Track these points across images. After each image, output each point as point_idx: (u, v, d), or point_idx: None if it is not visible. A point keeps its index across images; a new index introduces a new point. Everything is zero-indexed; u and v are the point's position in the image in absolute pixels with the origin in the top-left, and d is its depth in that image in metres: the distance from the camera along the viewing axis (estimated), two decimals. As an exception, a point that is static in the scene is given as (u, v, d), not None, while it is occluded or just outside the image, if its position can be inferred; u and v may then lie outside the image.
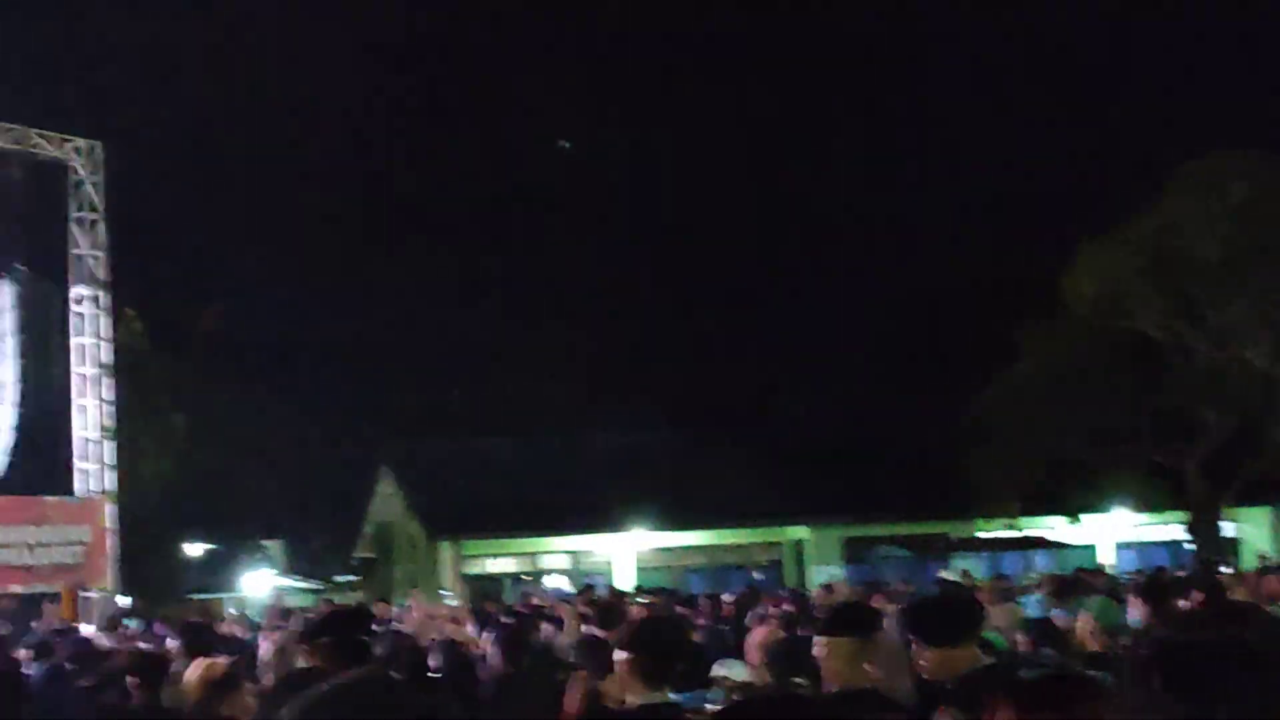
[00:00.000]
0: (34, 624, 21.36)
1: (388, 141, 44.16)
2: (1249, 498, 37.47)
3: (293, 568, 39.46)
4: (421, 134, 45.19)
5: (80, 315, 26.89)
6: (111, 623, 20.94)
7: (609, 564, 38.30)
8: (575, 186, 45.32)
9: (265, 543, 40.00)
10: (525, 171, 45.78)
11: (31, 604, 24.17)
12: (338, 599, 31.24)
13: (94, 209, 27.06)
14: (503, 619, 13.73)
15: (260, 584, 37.23)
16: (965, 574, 25.28)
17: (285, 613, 20.33)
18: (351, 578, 38.52)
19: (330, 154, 41.83)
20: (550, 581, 35.81)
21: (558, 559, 39.38)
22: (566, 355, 43.96)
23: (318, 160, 40.79)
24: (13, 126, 25.94)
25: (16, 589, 24.84)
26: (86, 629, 19.76)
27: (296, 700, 3.08)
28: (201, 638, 10.13)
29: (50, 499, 26.19)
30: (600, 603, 15.18)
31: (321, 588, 37.74)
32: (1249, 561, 31.72)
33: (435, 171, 44.13)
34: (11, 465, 26.36)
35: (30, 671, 11.11)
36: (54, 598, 23.99)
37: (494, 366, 43.18)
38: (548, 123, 46.87)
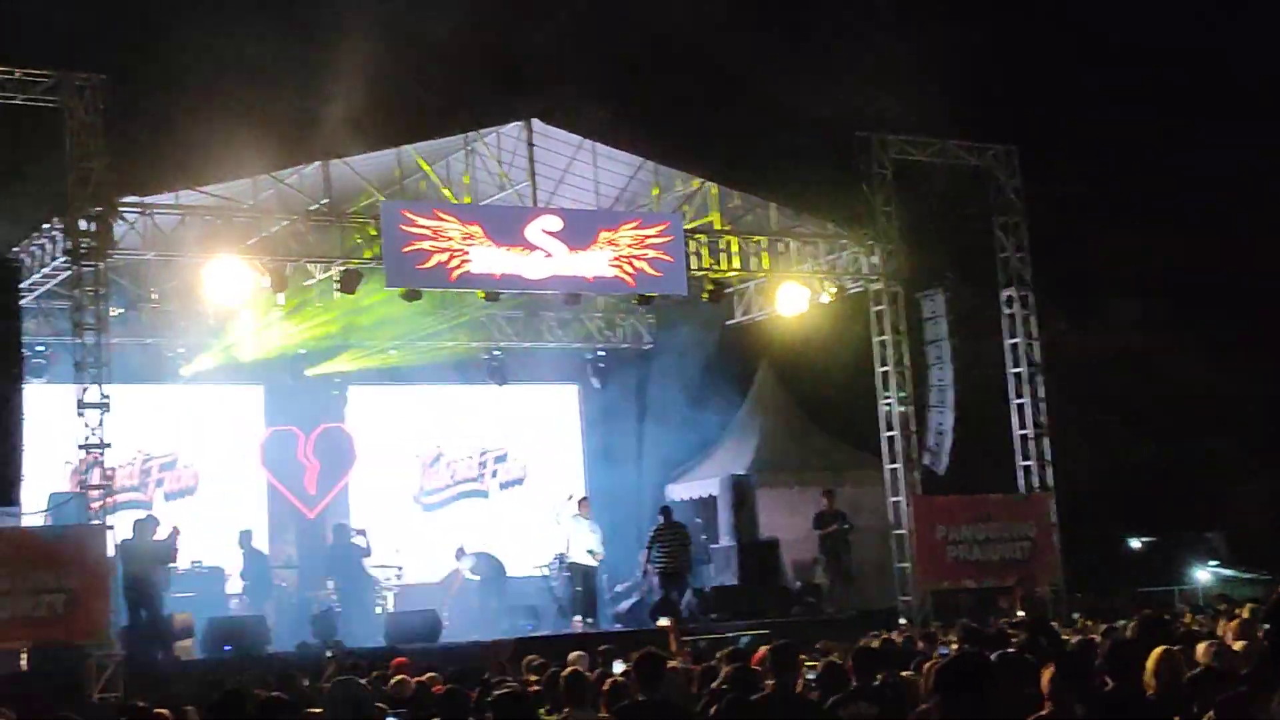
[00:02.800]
0: (990, 619, 22.25)
1: None
2: None
3: (1238, 558, 38.25)
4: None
5: (1010, 316, 27.62)
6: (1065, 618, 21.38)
7: None
8: None
9: (1207, 534, 39.07)
10: None
11: (985, 598, 25.19)
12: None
13: (1015, 212, 27.74)
14: None
15: (1205, 576, 36.47)
16: None
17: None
18: (1304, 568, 36.72)
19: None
20: None
21: None
22: None
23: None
24: (933, 140, 27.17)
25: (969, 584, 25.99)
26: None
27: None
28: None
29: (994, 496, 27.08)
30: None
31: (1269, 578, 36.31)
32: None
33: None
34: (954, 465, 27.49)
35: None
36: (1005, 592, 24.72)
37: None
38: None
